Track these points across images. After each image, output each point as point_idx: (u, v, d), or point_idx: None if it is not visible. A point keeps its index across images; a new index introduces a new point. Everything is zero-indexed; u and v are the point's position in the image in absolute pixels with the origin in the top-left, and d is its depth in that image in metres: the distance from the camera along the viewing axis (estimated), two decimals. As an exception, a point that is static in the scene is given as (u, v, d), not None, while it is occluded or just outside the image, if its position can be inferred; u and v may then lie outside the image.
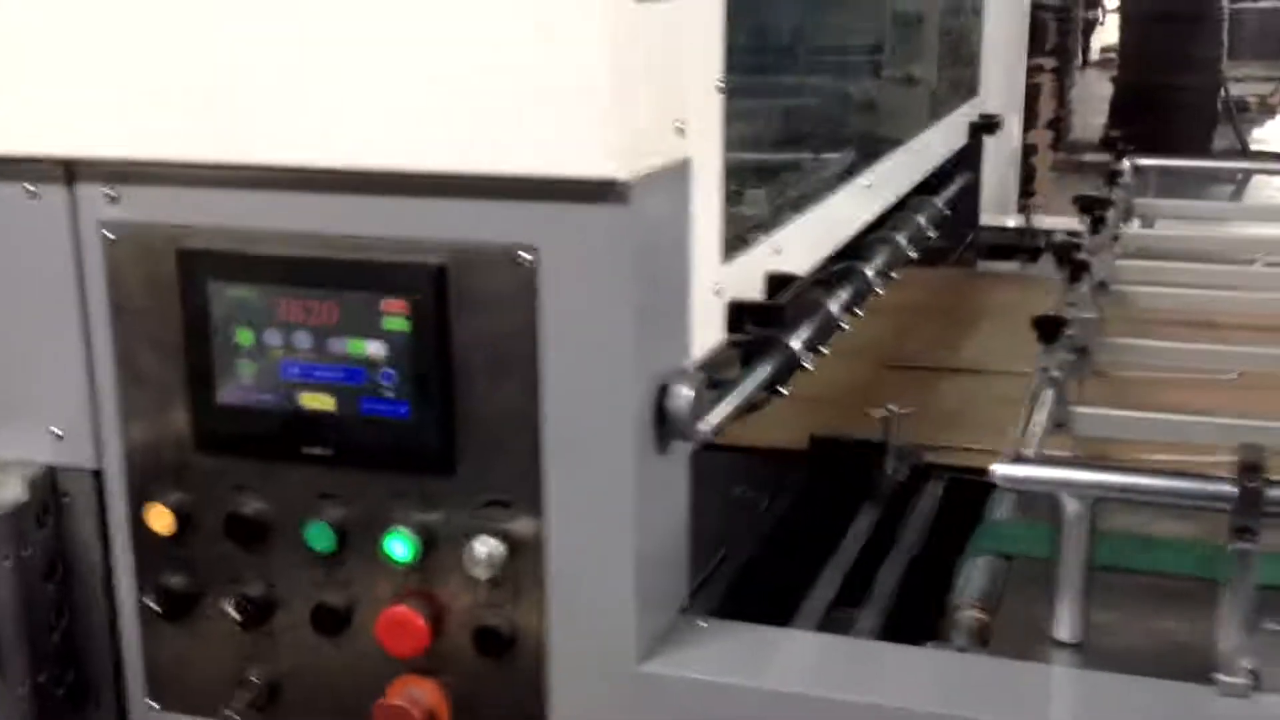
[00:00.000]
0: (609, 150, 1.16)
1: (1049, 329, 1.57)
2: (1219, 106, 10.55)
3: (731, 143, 1.46)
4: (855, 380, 2.07)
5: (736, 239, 1.51)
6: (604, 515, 1.25)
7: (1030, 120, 8.43)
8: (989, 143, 3.13)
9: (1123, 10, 11.31)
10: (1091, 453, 1.60)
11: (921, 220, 2.61)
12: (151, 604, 1.36)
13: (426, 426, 1.25)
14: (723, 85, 1.38)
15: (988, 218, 3.09)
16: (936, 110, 2.62)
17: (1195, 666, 1.22)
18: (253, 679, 1.35)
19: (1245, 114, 11.51)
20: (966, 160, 3.04)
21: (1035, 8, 8.13)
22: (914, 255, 2.50)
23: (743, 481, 1.71)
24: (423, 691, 1.32)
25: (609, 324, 1.21)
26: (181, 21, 1.24)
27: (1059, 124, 8.66)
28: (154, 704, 1.40)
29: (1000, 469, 1.30)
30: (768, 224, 1.62)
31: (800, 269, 1.69)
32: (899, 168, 2.29)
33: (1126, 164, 2.77)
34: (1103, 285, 2.00)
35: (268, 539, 1.32)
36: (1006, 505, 1.62)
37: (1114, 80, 10.90)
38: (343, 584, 1.31)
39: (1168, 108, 10.04)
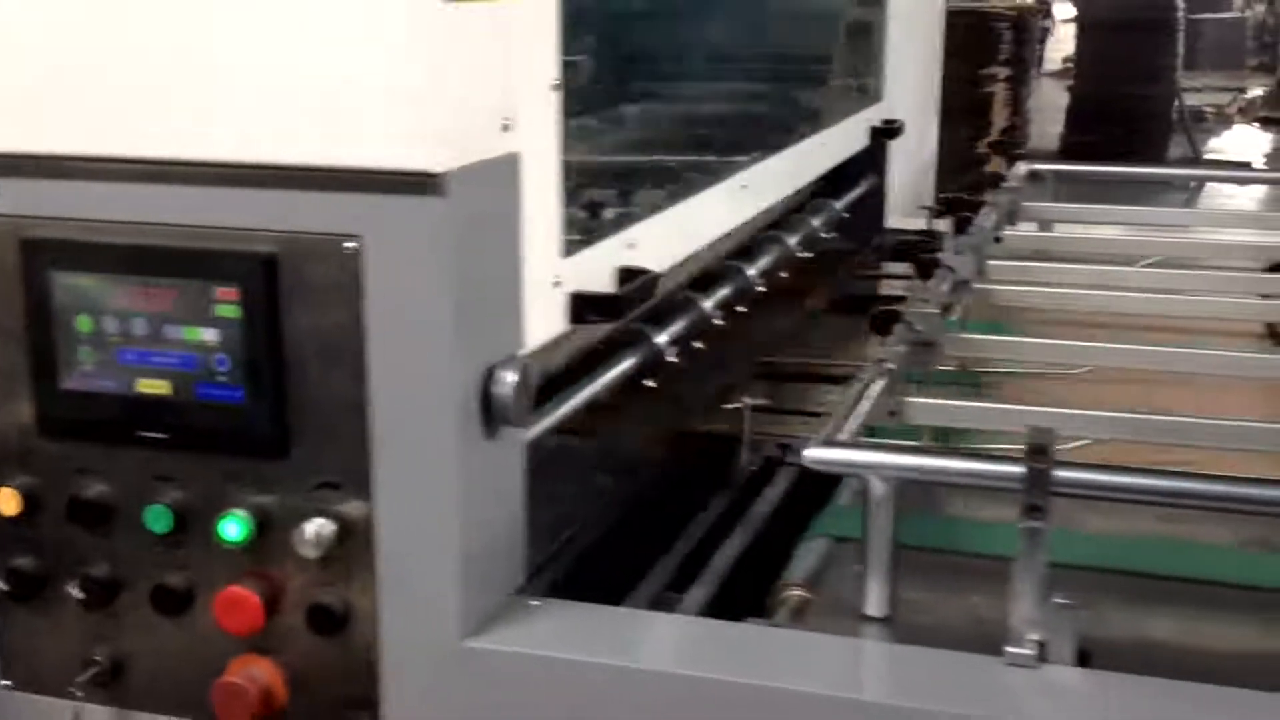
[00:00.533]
0: (425, 144, 1.22)
1: (881, 323, 1.63)
2: (1174, 116, 10.66)
3: (580, 140, 1.51)
4: (737, 375, 2.13)
5: (581, 233, 1.56)
6: (429, 498, 1.30)
7: (984, 129, 8.55)
8: (901, 147, 3.19)
9: (1079, 20, 11.42)
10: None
11: (815, 222, 2.68)
12: (0, 585, 1.41)
13: (259, 411, 1.30)
14: (558, 84, 1.43)
15: (896, 220, 3.15)
16: (828, 114, 2.69)
17: (998, 640, 1.28)
18: (97, 658, 1.40)
19: (1202, 124, 11.63)
20: (872, 164, 3.11)
21: (989, 18, 8.19)
22: (805, 255, 2.58)
23: (605, 470, 1.76)
24: (260, 670, 1.36)
25: (430, 312, 1.26)
26: (21, 16, 1.30)
27: (1015, 132, 8.75)
28: (4, 682, 1.44)
29: (809, 452, 1.36)
30: (619, 220, 1.67)
31: (659, 264, 1.75)
32: (782, 170, 2.35)
33: (1023, 168, 2.84)
34: (964, 284, 2.06)
35: (110, 521, 1.36)
36: (849, 492, 1.68)
37: (1070, 90, 11.00)
38: (181, 565, 1.36)
39: (1123, 117, 10.13)
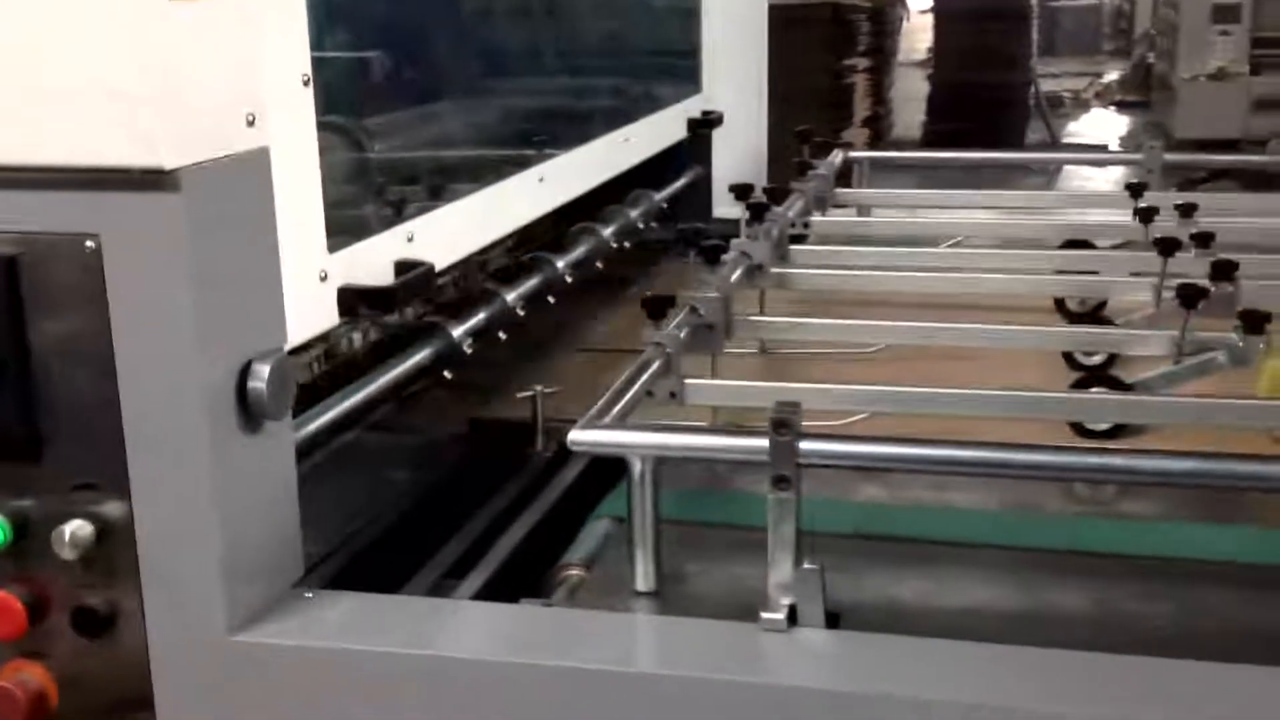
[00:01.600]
0: (157, 141, 1.22)
1: (656, 307, 1.66)
2: (1031, 102, 10.89)
3: (352, 134, 1.52)
4: (548, 364, 2.15)
5: (351, 227, 1.57)
6: (187, 495, 1.30)
7: (845, 119, 8.66)
8: (730, 137, 3.24)
9: (935, 9, 11.62)
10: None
11: (633, 213, 2.72)
12: None
13: (7, 414, 1.29)
14: (308, 78, 1.44)
15: (724, 210, 3.20)
16: (639, 106, 2.72)
17: (757, 607, 1.31)
18: None
19: (1060, 109, 11.88)
20: (696, 155, 3.15)
21: (847, 10, 8.28)
22: (620, 246, 2.61)
23: (395, 462, 1.77)
24: (31, 674, 1.36)
25: (171, 309, 1.26)
26: None
27: (877, 122, 8.88)
28: None
29: (573, 434, 1.38)
30: (396, 214, 1.69)
31: (443, 257, 1.77)
32: (586, 163, 2.37)
33: (839, 156, 2.90)
34: (758, 269, 2.10)
35: (-126, 528, 1.34)
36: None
37: (929, 79, 11.19)
38: (-55, 572, 1.35)
39: (981, 104, 10.33)
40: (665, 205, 2.91)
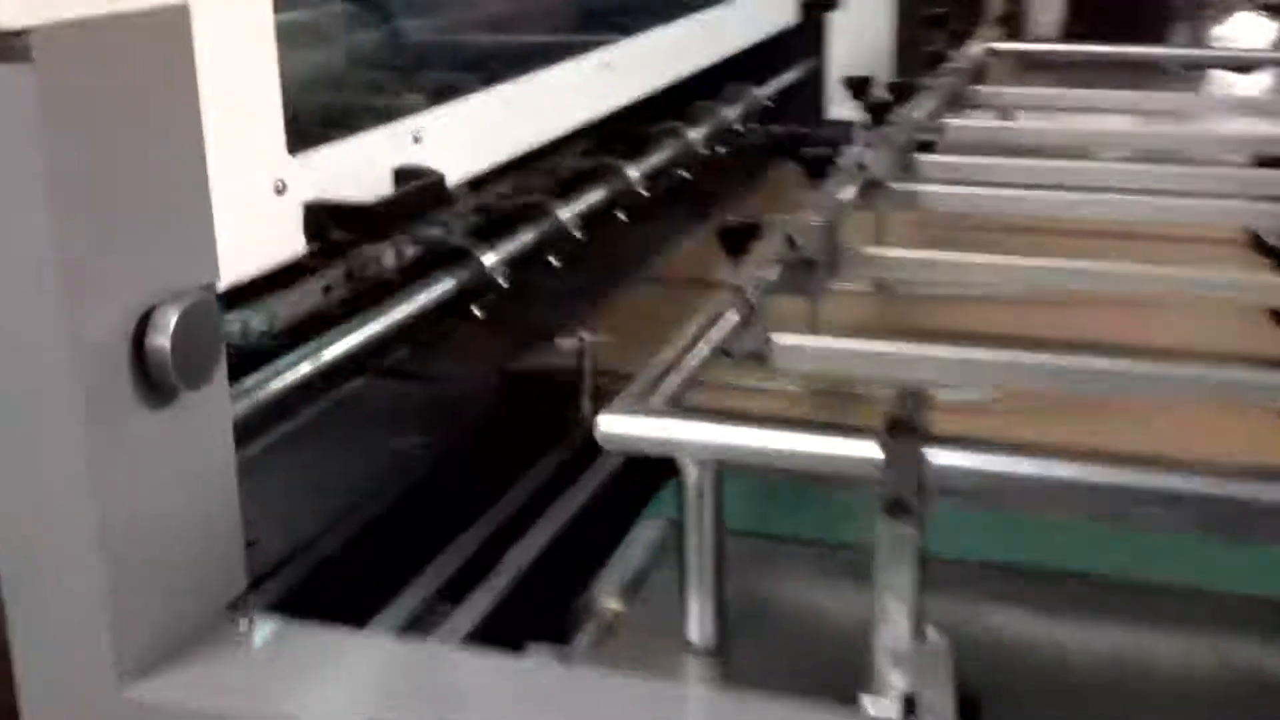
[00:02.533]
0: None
1: (735, 239, 1.24)
2: (1177, 2, 10.16)
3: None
4: (610, 301, 1.73)
5: (327, 122, 1.18)
6: (56, 498, 0.93)
7: (977, 16, 8.06)
8: (849, 23, 2.78)
9: (1080, -99, 10.86)
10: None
11: (729, 112, 2.28)
12: None
13: None
14: (256, -87, 1.04)
15: (839, 111, 2.74)
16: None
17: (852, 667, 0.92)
18: None
19: (1205, 10, 11.12)
20: (809, 45, 2.70)
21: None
22: (712, 152, 2.19)
23: (409, 430, 1.39)
24: None
25: (24, 235, 0.88)
26: None
27: (1012, 20, 8.27)
28: None
29: (604, 423, 0.98)
30: (395, 106, 1.28)
31: (463, 165, 1.36)
32: (668, 48, 1.94)
33: (977, 47, 2.43)
34: (876, 185, 1.67)
35: None
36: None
37: (1070, -24, 10.47)
38: None
39: (1124, 3, 9.64)
40: (770, 103, 2.47)
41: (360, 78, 1.29)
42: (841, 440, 0.93)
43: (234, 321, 1.17)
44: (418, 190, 1.20)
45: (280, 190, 1.10)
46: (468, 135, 1.37)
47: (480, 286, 1.47)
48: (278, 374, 1.21)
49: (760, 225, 1.25)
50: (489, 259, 1.48)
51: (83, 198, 0.89)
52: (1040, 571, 1.11)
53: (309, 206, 1.13)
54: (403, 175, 1.25)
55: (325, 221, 1.13)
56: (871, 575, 0.91)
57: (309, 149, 1.14)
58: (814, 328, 1.39)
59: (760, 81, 2.51)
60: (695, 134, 2.11)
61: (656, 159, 1.99)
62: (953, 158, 1.93)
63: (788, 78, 2.62)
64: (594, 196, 1.80)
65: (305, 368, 1.25)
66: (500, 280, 1.49)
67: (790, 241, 1.39)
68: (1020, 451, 0.90)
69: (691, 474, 0.97)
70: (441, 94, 1.34)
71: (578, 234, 1.67)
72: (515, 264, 1.52)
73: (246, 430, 1.33)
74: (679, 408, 1.01)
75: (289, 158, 1.11)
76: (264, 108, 1.08)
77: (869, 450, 0.90)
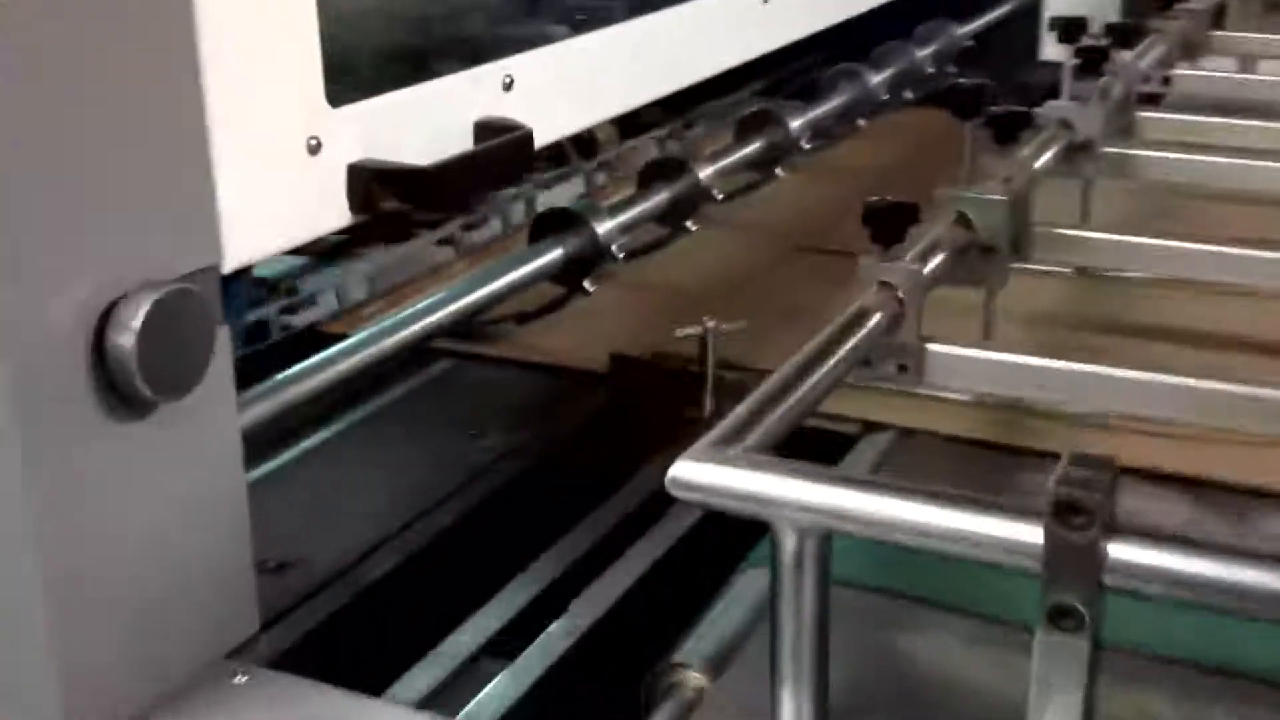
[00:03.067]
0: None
1: (886, 221, 0.98)
2: None
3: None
4: (746, 267, 1.48)
5: (381, 67, 0.97)
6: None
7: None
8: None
9: None
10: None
11: (920, 53, 2.01)
12: None
13: None
14: None
15: (1054, 52, 2.42)
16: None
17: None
18: None
19: None
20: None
21: None
22: (897, 98, 1.93)
23: (487, 426, 1.19)
24: None
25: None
26: None
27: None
28: None
29: (681, 468, 0.76)
30: (479, 45, 1.07)
31: (568, 119, 1.15)
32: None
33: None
34: (1083, 147, 1.38)
35: None
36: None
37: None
38: None
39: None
40: (971, 43, 2.18)
41: (433, 8, 1.08)
42: (990, 520, 0.69)
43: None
44: (492, 152, 0.98)
45: (314, 149, 0.90)
46: (576, 81, 1.15)
47: (593, 255, 1.26)
48: (319, 369, 1.02)
49: (914, 206, 0.99)
50: (604, 225, 1.27)
51: (27, 158, 0.70)
52: (1233, 673, 0.85)
53: (355, 169, 0.93)
54: (485, 130, 1.04)
55: (374, 188, 0.93)
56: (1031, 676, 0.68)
57: (356, 99, 0.93)
58: (987, 331, 1.14)
59: (963, 17, 2.22)
60: (877, 78, 1.86)
61: (826, 106, 1.74)
62: (1182, 115, 1.63)
63: (996, 14, 2.32)
64: (747, 149, 1.57)
65: (359, 357, 1.06)
66: (615, 250, 1.27)
67: (964, 220, 1.13)
68: (1226, 555, 0.65)
69: (788, 541, 0.74)
70: (544, 31, 1.12)
71: (718, 195, 1.44)
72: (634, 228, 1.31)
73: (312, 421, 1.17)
74: (777, 456, 0.77)
75: (328, 109, 0.91)
76: (293, 47, 0.87)
77: (1029, 535, 0.66)
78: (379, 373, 1.17)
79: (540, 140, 1.06)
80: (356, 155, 0.94)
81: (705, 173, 1.43)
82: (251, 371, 1.02)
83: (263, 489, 1.05)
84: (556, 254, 1.24)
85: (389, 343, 1.14)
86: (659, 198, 1.41)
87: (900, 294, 0.99)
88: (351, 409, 1.19)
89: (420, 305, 1.20)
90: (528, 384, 1.26)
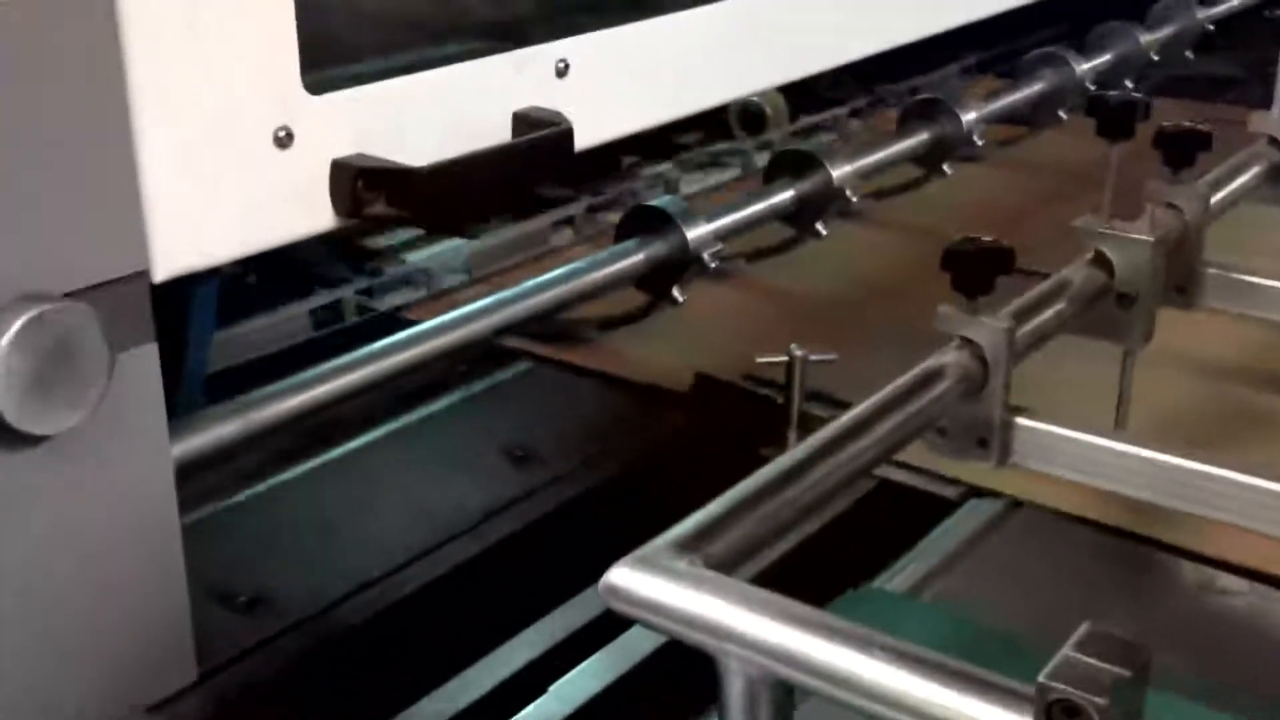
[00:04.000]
0: None
1: (972, 268, 0.78)
2: None
3: None
4: (886, 277, 1.30)
5: (382, 44, 0.84)
6: None
7: None
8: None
9: None
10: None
11: (1147, 38, 1.77)
12: None
13: None
14: None
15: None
16: None
17: None
18: None
19: None
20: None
21: None
22: (1099, 90, 1.69)
23: (544, 435, 1.05)
24: None
25: None
26: None
27: None
28: None
29: (617, 575, 0.61)
30: (530, 18, 0.93)
31: (641, 113, 1.00)
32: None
33: None
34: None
35: None
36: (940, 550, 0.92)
37: None
38: None
39: None
40: (1210, 28, 1.91)
41: None
42: (968, 701, 0.52)
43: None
44: (510, 153, 0.84)
45: (284, 142, 0.77)
46: (651, 69, 0.99)
47: (680, 261, 1.11)
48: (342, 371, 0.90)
49: (1006, 252, 0.80)
50: (696, 231, 1.12)
51: None
52: None
53: (339, 167, 0.80)
54: (523, 124, 0.90)
55: (361, 190, 0.80)
56: None
57: (347, 85, 0.81)
58: (1121, 399, 0.94)
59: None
60: (1084, 66, 1.63)
61: (1010, 98, 1.53)
62: None
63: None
64: (899, 145, 1.38)
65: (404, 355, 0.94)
66: (707, 259, 1.12)
67: (1103, 260, 0.93)
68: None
69: (734, 684, 0.59)
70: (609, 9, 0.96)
71: (853, 196, 1.26)
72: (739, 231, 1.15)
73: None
74: (737, 572, 0.62)
75: (304, 96, 0.78)
76: (256, 20, 0.75)
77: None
78: (435, 373, 1.06)
79: (592, 138, 0.92)
80: (344, 150, 0.81)
81: (841, 171, 1.26)
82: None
83: (263, 505, 0.96)
84: (638, 258, 1.10)
85: (438, 343, 1.02)
86: (778, 198, 1.24)
87: (985, 353, 0.81)
88: (395, 414, 1.07)
89: (485, 302, 1.08)
90: (595, 398, 1.12)
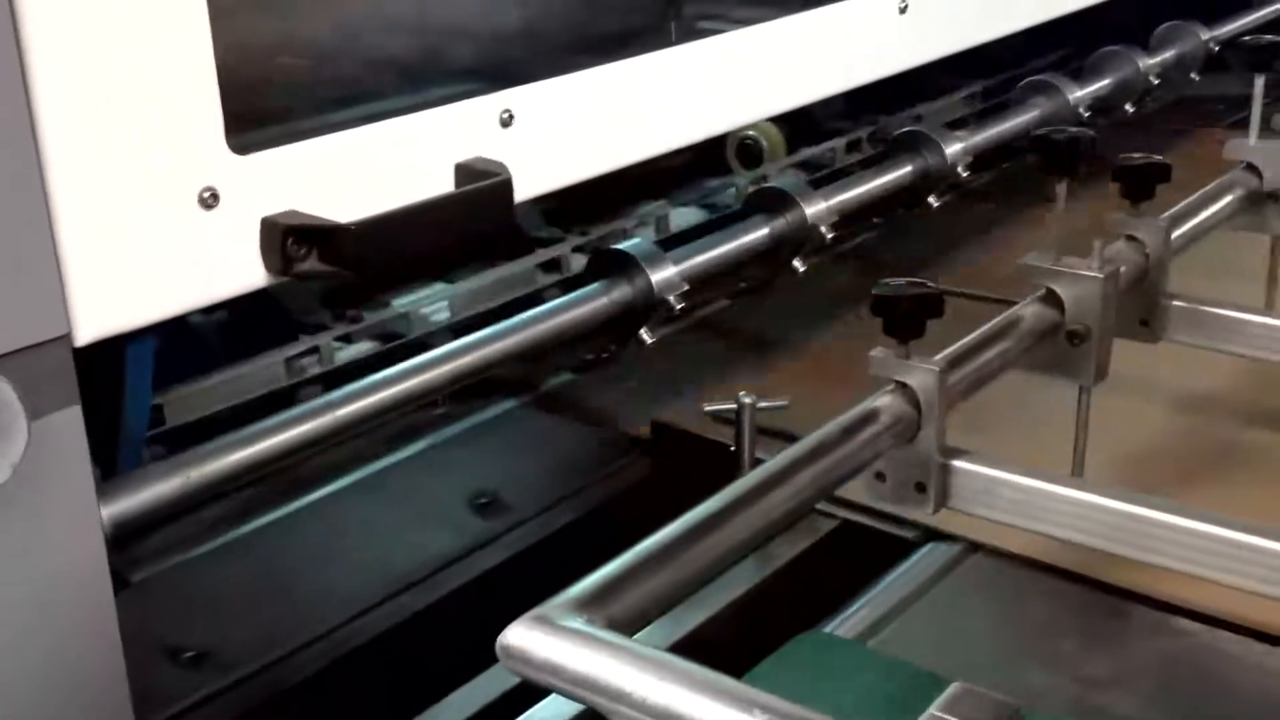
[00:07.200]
0: None
1: (897, 315, 0.77)
2: None
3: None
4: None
5: (315, 102, 0.85)
6: None
7: None
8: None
9: None
10: None
11: (1146, 62, 1.76)
12: None
13: None
14: None
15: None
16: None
17: None
18: None
19: None
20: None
21: None
22: (1093, 117, 1.69)
23: (505, 481, 1.06)
24: None
25: None
26: None
27: None
28: None
29: (511, 633, 0.61)
30: (464, 75, 0.93)
31: (587, 161, 1.00)
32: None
33: None
34: (1270, 197, 1.13)
35: None
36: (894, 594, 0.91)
37: None
38: None
39: None
40: (1215, 49, 1.89)
41: (395, 32, 0.94)
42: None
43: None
44: (444, 206, 0.84)
45: (210, 201, 0.78)
46: (595, 117, 0.99)
47: (645, 305, 1.11)
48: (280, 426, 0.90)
49: (936, 298, 0.79)
50: (662, 273, 1.11)
51: None
52: None
53: (269, 225, 0.81)
54: (466, 175, 0.90)
55: (290, 248, 0.81)
56: None
57: (276, 143, 0.82)
58: (1078, 439, 0.93)
59: (1215, 16, 1.94)
60: (1077, 93, 1.61)
61: (1001, 127, 1.52)
62: None
63: (1258, 15, 2.02)
64: (882, 179, 1.38)
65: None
66: (673, 300, 1.12)
67: (1052, 297, 0.92)
68: None
69: (619, 746, 0.58)
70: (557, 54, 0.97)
71: (827, 234, 1.26)
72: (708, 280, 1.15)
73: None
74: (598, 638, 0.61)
75: (230, 157, 0.79)
76: (179, 81, 0.76)
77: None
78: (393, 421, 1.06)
79: (536, 188, 0.92)
80: (276, 207, 0.82)
81: (816, 209, 1.25)
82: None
83: (218, 559, 0.97)
84: (601, 302, 1.10)
85: (402, 388, 1.02)
86: (751, 236, 1.23)
87: (919, 397, 0.81)
88: (352, 463, 1.08)
89: (437, 352, 1.07)
90: (555, 443, 1.13)
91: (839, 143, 1.79)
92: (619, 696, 0.59)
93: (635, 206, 1.59)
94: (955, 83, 1.96)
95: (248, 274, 0.82)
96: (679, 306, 1.12)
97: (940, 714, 0.52)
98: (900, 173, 1.39)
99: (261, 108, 0.84)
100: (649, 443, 1.12)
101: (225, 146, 0.79)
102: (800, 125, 1.71)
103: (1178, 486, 1.00)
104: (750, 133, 1.71)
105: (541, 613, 0.62)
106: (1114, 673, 0.84)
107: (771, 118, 1.50)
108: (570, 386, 1.19)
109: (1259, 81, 1.18)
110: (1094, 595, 0.91)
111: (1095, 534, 0.79)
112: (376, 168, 0.87)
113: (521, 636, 0.61)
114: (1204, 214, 1.10)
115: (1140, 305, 1.00)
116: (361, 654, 0.91)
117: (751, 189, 1.55)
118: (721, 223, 1.39)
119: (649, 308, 1.12)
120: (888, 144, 1.45)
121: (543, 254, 1.43)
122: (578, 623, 0.62)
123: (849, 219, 1.31)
